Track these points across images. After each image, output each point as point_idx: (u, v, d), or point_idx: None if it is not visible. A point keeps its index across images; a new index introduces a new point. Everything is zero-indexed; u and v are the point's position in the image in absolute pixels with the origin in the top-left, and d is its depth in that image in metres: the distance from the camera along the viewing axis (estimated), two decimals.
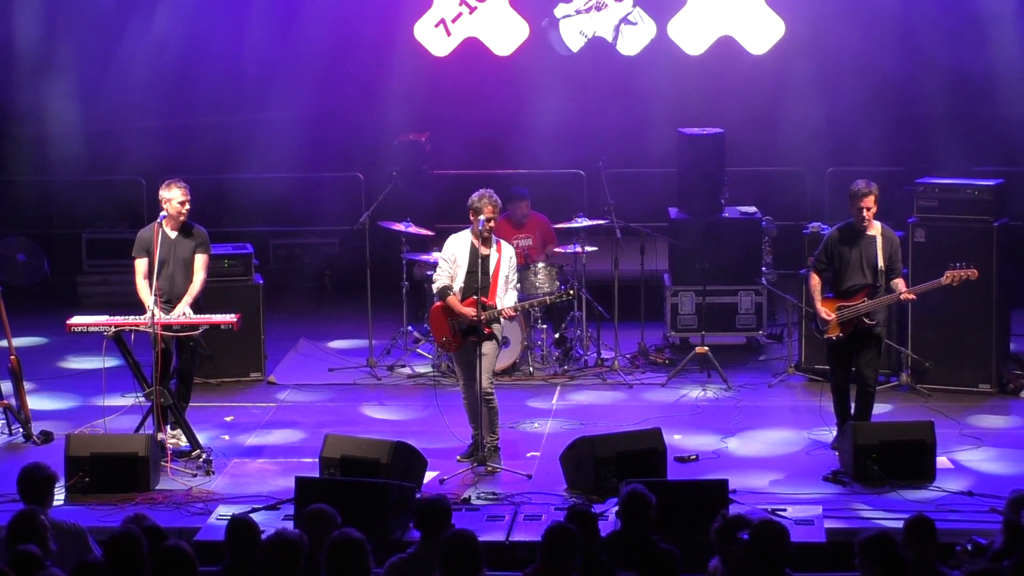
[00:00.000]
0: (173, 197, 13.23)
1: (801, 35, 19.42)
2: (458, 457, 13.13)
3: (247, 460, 13.32)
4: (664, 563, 8.86)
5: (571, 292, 14.08)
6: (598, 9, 19.59)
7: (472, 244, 12.88)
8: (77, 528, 9.38)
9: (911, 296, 13.12)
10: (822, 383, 14.57)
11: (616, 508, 9.56)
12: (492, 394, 12.91)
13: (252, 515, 11.28)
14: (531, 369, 15.72)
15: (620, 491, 10.99)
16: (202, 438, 13.32)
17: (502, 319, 12.89)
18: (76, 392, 15.28)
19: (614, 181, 16.41)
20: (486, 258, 12.84)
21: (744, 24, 19.46)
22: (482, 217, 12.79)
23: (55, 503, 10.32)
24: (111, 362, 14.08)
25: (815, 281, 13.25)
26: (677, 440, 13.54)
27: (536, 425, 14.25)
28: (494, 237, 12.94)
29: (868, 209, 12.96)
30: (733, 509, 10.90)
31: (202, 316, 13.15)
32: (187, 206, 13.27)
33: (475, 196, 12.89)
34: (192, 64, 19.60)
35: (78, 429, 13.52)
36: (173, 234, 13.29)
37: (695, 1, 19.47)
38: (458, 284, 12.89)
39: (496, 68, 19.81)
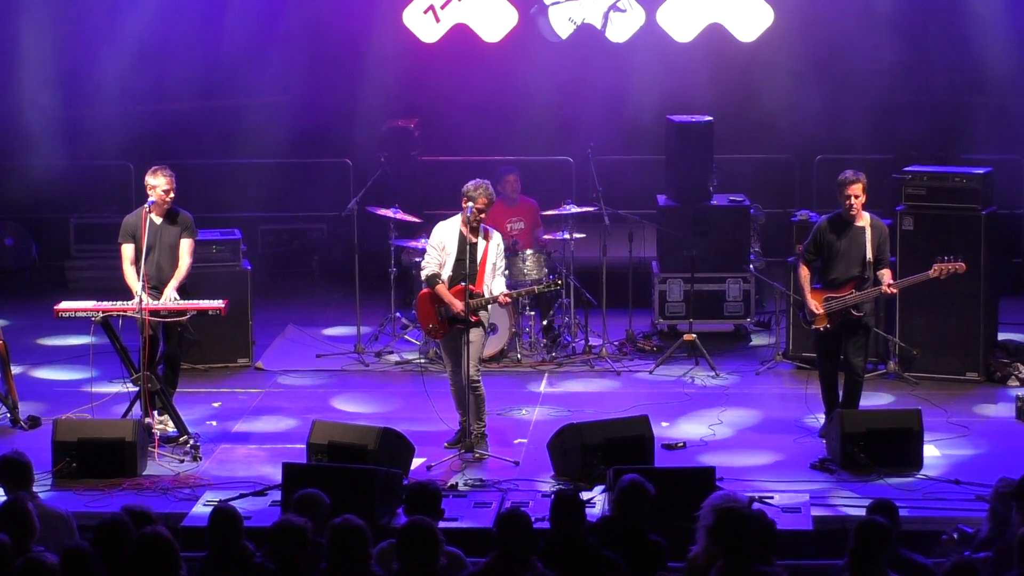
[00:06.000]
0: (158, 184, 13.20)
1: (790, 23, 19.43)
2: (445, 444, 13.14)
3: (234, 446, 13.31)
4: (652, 555, 8.87)
5: (559, 282, 14.09)
6: None
7: (461, 232, 12.87)
8: (63, 515, 9.37)
9: (894, 291, 13.14)
10: (809, 371, 14.62)
11: (612, 495, 9.55)
12: (479, 381, 12.92)
13: (239, 501, 11.34)
14: (519, 356, 15.72)
15: (607, 478, 11.06)
16: (189, 424, 13.32)
17: (496, 304, 12.91)
18: (63, 377, 15.27)
19: (603, 168, 16.40)
20: (474, 246, 12.84)
21: (733, 11, 19.46)
22: (473, 205, 12.76)
23: (38, 489, 10.28)
24: (98, 347, 14.06)
25: (804, 272, 13.24)
26: (665, 427, 13.56)
27: (523, 412, 14.25)
28: (483, 225, 12.93)
29: (856, 197, 12.97)
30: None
31: (190, 302, 13.14)
32: (172, 194, 13.24)
33: (471, 184, 12.87)
34: (181, 49, 19.55)
35: (65, 414, 13.49)
36: (159, 220, 13.26)
37: None
38: (446, 272, 12.88)
39: (485, 55, 19.79)
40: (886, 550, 8.22)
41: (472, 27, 19.70)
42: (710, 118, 17.04)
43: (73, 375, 15.20)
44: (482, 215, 12.85)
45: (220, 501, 11.17)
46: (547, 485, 12.12)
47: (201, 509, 11.41)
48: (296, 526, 8.23)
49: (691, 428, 13.69)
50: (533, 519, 8.44)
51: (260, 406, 14.52)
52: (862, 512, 10.99)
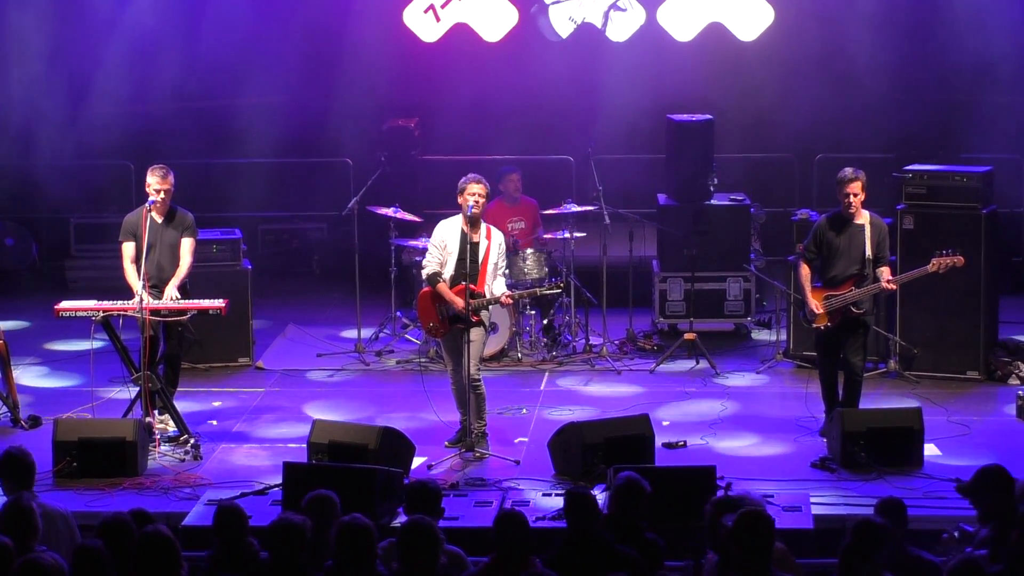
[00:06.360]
0: (151, 183, 13.20)
1: (790, 21, 19.43)
2: (446, 443, 13.14)
3: (235, 445, 13.31)
4: (648, 552, 8.87)
5: (561, 285, 14.10)
6: None
7: (462, 231, 12.87)
8: (64, 514, 9.37)
9: (893, 286, 13.15)
10: (810, 370, 14.61)
11: (608, 493, 9.55)
12: (479, 380, 12.91)
13: (240, 500, 11.33)
14: (519, 355, 15.72)
15: (608, 476, 11.06)
16: (190, 423, 13.31)
17: (498, 304, 12.90)
18: (64, 377, 15.27)
19: (603, 167, 16.39)
20: (475, 245, 12.83)
21: (734, 10, 19.47)
22: (469, 196, 12.74)
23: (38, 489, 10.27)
24: (99, 347, 14.06)
25: (804, 271, 13.24)
26: (665, 426, 13.56)
27: (524, 411, 14.25)
28: (484, 224, 12.93)
29: (855, 195, 12.98)
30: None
31: (190, 301, 13.14)
32: (162, 194, 13.18)
33: (461, 180, 12.90)
34: (182, 48, 19.54)
35: (66, 414, 13.48)
36: (159, 219, 13.26)
37: None
38: (448, 271, 12.87)
39: (485, 54, 19.79)
40: (881, 550, 8.20)
41: (472, 26, 19.70)
42: (710, 117, 17.06)
43: (74, 375, 15.19)
44: (481, 200, 12.83)
45: (223, 499, 11.18)
46: (548, 484, 12.12)
47: (201, 509, 11.41)
48: (294, 524, 8.23)
49: (691, 427, 13.68)
50: (532, 518, 8.47)
51: (260, 406, 14.51)
52: (862, 511, 11.03)
